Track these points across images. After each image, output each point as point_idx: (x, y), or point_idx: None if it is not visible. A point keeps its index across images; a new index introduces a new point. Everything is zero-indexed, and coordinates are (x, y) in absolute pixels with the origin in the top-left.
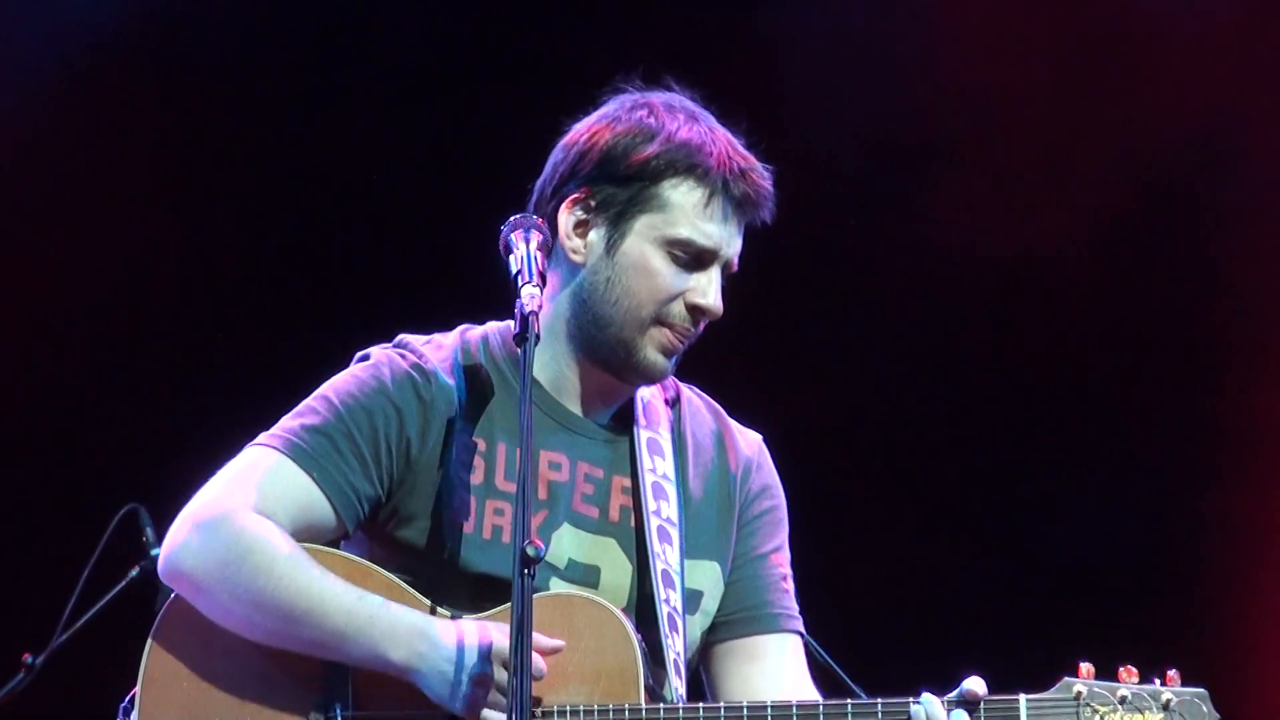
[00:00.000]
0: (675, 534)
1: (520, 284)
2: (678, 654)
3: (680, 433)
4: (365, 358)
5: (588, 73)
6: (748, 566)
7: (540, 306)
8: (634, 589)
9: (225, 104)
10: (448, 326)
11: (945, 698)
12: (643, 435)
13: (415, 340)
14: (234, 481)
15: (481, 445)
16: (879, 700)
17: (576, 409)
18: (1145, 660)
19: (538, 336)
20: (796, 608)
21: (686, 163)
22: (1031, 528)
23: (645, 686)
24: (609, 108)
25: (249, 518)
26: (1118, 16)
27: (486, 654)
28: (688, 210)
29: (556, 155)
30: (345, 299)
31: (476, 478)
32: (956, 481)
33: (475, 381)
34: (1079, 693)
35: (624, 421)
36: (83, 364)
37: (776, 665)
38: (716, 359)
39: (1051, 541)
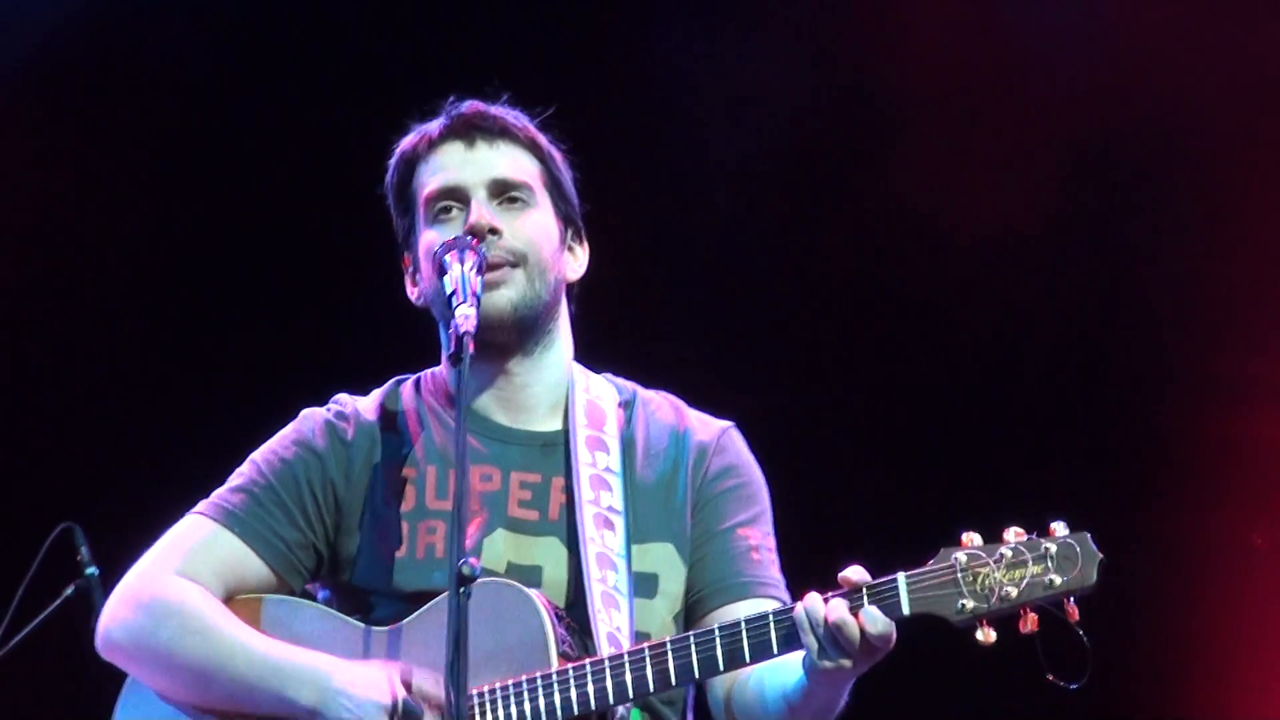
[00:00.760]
0: (620, 520)
1: (454, 304)
2: (617, 628)
3: (631, 428)
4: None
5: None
6: (711, 542)
7: (474, 327)
8: (571, 577)
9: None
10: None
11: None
12: (581, 434)
13: (346, 396)
14: (162, 550)
15: (411, 474)
16: (769, 613)
17: (504, 420)
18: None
19: (472, 356)
20: (777, 577)
21: (410, 155)
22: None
23: (559, 654)
24: None
25: (170, 585)
26: None
27: (383, 684)
28: (424, 176)
29: None
30: (278, 328)
31: (407, 504)
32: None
33: (402, 418)
34: (956, 559)
35: (563, 426)
36: (14, 384)
37: None
38: (682, 339)
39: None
